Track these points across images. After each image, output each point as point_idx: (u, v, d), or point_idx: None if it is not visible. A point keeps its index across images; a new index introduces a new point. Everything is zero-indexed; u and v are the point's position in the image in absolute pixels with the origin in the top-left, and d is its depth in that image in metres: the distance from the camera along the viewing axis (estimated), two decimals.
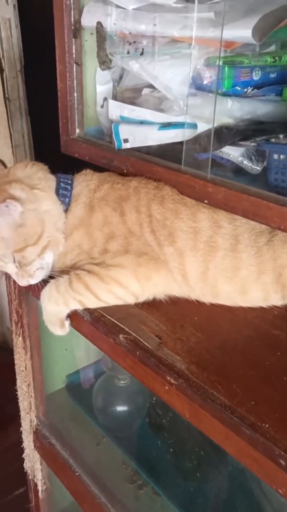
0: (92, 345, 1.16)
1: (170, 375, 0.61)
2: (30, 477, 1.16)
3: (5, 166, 1.98)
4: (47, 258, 0.78)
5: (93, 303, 0.74)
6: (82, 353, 1.19)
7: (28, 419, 1.07)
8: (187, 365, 0.62)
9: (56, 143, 0.97)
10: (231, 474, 0.87)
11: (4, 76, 1.74)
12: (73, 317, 0.77)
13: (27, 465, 1.14)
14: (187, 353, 0.64)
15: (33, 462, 1.12)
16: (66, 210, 0.79)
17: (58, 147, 0.96)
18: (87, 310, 0.74)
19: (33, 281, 0.78)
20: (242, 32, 0.65)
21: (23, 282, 0.78)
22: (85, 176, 0.83)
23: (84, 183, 0.81)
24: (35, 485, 1.14)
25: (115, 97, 0.90)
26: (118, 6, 0.78)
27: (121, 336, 0.68)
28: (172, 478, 0.92)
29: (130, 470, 0.97)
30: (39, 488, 1.13)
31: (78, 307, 0.74)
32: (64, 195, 0.79)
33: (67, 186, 0.80)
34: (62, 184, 0.80)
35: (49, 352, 1.07)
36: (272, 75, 0.80)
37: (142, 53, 0.78)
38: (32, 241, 0.76)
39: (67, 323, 0.76)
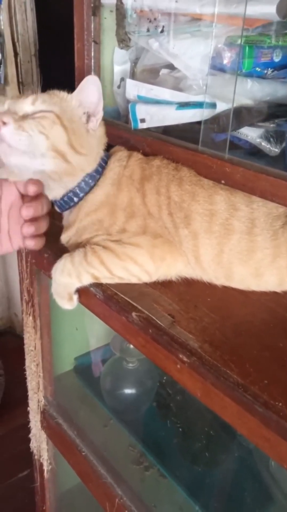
0: (101, 328, 1.17)
1: (182, 353, 0.61)
2: (36, 457, 1.16)
3: None
4: (40, 149, 0.69)
5: (106, 278, 0.73)
6: (91, 336, 1.20)
7: (35, 399, 1.08)
8: (200, 344, 0.62)
9: None
10: (239, 458, 0.88)
11: (18, 60, 1.73)
12: (85, 295, 0.77)
13: (33, 445, 1.15)
14: (200, 332, 0.64)
15: (39, 442, 1.12)
16: (93, 185, 0.77)
17: None
18: (100, 288, 0.73)
19: (10, 131, 0.67)
20: (266, 8, 0.64)
21: (6, 117, 0.67)
22: (120, 152, 0.81)
23: (118, 157, 0.80)
24: (41, 465, 1.15)
25: (132, 77, 0.89)
26: None
27: (133, 314, 0.67)
28: (179, 460, 0.93)
29: (136, 452, 0.97)
30: (45, 468, 1.14)
31: (90, 281, 0.74)
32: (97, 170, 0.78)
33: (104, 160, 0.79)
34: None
35: (59, 334, 1.07)
36: None
37: (162, 31, 0.77)
38: (73, 141, 0.71)
39: (75, 297, 0.76)
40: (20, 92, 1.78)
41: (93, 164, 0.77)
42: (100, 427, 1.04)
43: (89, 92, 0.74)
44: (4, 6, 1.66)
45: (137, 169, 0.77)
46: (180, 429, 0.97)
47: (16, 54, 1.73)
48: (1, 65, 1.78)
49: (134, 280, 0.74)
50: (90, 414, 1.07)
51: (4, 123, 0.67)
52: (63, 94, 0.75)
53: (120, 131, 0.85)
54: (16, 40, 1.73)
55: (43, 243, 0.73)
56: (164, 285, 0.74)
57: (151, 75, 0.86)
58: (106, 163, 0.79)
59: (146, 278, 0.75)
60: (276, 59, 0.77)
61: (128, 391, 1.05)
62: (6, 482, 1.74)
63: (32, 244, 0.72)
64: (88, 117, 0.76)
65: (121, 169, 0.77)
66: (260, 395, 0.54)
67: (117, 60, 0.90)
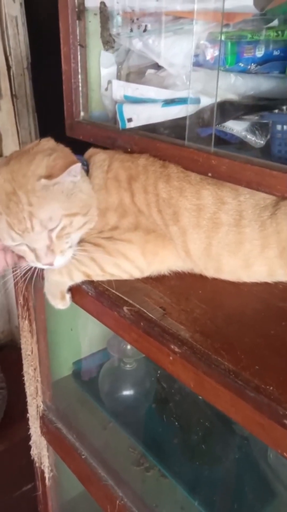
0: (98, 333, 1.17)
1: (174, 344, 0.61)
2: (37, 464, 1.15)
3: None
4: (76, 238, 0.74)
5: (97, 275, 0.74)
6: (89, 340, 1.19)
7: (34, 405, 1.07)
8: (191, 334, 0.62)
9: (62, 140, 0.95)
10: (239, 457, 0.87)
11: (11, 74, 1.75)
12: (78, 293, 0.77)
13: (34, 452, 1.14)
14: (191, 323, 0.64)
15: (39, 448, 1.11)
16: None
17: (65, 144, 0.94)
18: (91, 284, 0.74)
19: (60, 259, 0.71)
20: (243, 1, 0.65)
21: (48, 259, 0.70)
22: (97, 156, 0.81)
23: (98, 164, 0.80)
24: (42, 472, 1.14)
25: (119, 80, 0.90)
26: None
27: (125, 308, 0.67)
28: (179, 460, 0.92)
29: (136, 453, 0.96)
30: (46, 475, 1.13)
31: (81, 278, 0.74)
32: None
33: (85, 167, 0.79)
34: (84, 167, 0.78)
35: (56, 339, 1.07)
36: (276, 52, 0.80)
37: (145, 30, 0.78)
38: (84, 211, 0.73)
39: (68, 296, 0.76)
40: (14, 105, 1.80)
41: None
42: (99, 430, 1.03)
43: (73, 172, 0.71)
44: None
45: (121, 170, 0.77)
46: (180, 429, 0.96)
47: (9, 68, 1.76)
48: None
49: (125, 277, 0.75)
50: (90, 418, 1.06)
51: (52, 264, 0.71)
52: (46, 183, 0.68)
53: (108, 132, 0.86)
54: (8, 54, 1.76)
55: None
56: (156, 280, 0.75)
57: (138, 76, 0.88)
58: (86, 165, 0.79)
59: (137, 274, 0.75)
60: (259, 54, 0.79)
61: (127, 392, 1.04)
62: (12, 495, 1.72)
63: None
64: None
65: (104, 174, 0.77)
66: (251, 380, 0.54)
67: (104, 63, 0.91)
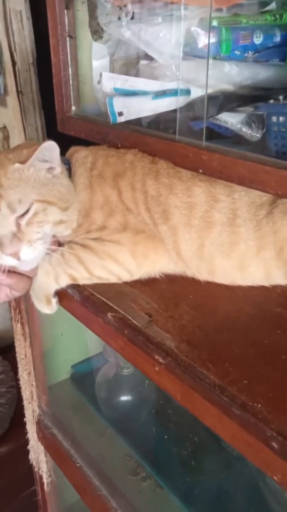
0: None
1: (158, 354, 0.57)
2: (35, 469, 1.13)
3: None
4: (49, 232, 0.68)
5: (84, 278, 0.70)
6: (88, 342, 1.16)
7: (30, 409, 1.05)
8: (177, 343, 0.57)
9: (68, 139, 0.91)
10: (237, 468, 0.82)
11: (17, 70, 1.73)
12: (65, 297, 0.73)
13: (32, 456, 1.12)
14: (178, 331, 0.60)
15: (37, 453, 1.09)
16: None
17: (72, 141, 0.90)
18: (77, 289, 0.70)
19: (27, 251, 0.65)
20: None
21: (13, 248, 0.63)
22: (78, 153, 0.77)
23: (80, 161, 0.76)
24: (41, 477, 1.12)
25: (112, 72, 0.86)
26: None
27: (109, 314, 0.63)
28: (177, 470, 0.88)
29: (133, 462, 0.93)
30: (45, 480, 1.10)
31: (67, 282, 0.70)
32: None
33: (67, 166, 0.75)
34: (66, 165, 0.75)
35: (53, 343, 1.04)
36: (275, 38, 0.75)
37: (132, 18, 0.73)
38: (62, 205, 0.68)
39: (54, 300, 0.73)
40: (19, 101, 1.77)
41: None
42: (96, 437, 1.00)
43: (46, 153, 0.67)
44: None
45: (107, 167, 0.73)
46: (179, 438, 0.92)
47: (14, 64, 1.73)
48: (0, 76, 1.78)
49: (113, 280, 0.71)
50: (87, 424, 1.03)
51: (17, 254, 0.64)
52: (19, 167, 0.65)
53: (99, 127, 0.82)
54: (13, 49, 1.73)
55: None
56: (144, 284, 0.70)
57: (131, 68, 0.83)
58: (68, 164, 0.75)
59: (127, 277, 0.71)
60: (257, 41, 0.73)
61: (124, 398, 1.00)
62: (17, 498, 1.71)
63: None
64: (50, 168, 0.69)
65: (88, 172, 0.73)
66: (238, 396, 0.50)
67: (95, 55, 0.86)
